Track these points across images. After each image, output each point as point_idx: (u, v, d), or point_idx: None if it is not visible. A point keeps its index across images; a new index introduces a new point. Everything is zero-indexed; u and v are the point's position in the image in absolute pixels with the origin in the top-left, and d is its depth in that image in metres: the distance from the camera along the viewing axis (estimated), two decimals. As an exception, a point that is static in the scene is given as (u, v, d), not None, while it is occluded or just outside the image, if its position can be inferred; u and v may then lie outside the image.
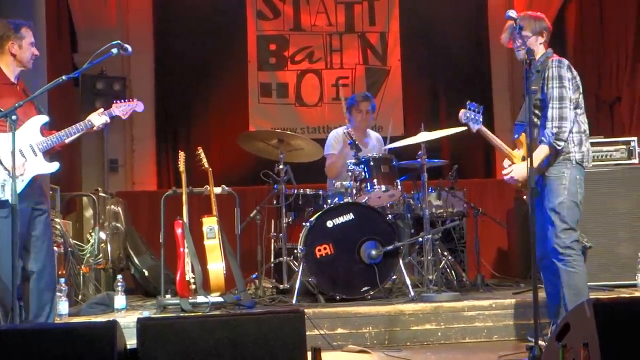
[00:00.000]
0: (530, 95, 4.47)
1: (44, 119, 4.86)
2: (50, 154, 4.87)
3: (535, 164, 4.64)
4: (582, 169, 4.72)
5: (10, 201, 4.18)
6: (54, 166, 4.85)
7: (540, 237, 4.72)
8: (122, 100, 5.15)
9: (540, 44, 4.85)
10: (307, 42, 9.75)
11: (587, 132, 4.79)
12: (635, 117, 7.78)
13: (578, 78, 4.78)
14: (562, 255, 4.63)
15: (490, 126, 9.49)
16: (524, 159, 4.75)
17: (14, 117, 4.19)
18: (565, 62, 4.74)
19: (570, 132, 4.66)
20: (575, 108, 4.69)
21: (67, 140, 4.91)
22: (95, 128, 4.94)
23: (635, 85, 7.84)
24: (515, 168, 4.84)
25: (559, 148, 4.61)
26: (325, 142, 7.18)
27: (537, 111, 4.75)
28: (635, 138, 6.49)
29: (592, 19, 8.50)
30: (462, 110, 4.88)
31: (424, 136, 5.95)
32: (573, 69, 4.75)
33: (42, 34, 6.22)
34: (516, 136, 4.93)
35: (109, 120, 4.99)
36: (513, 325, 5.42)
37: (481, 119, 4.88)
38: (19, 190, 4.46)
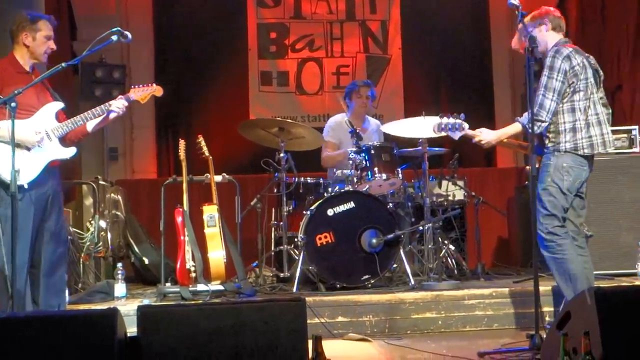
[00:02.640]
0: (532, 85, 4.46)
1: (59, 105, 4.81)
2: (69, 142, 4.83)
3: (500, 135, 4.83)
4: (577, 156, 4.66)
5: (11, 189, 4.16)
6: (71, 151, 4.78)
7: None
8: (140, 85, 5.05)
9: (547, 31, 4.81)
10: (307, 30, 9.73)
11: (597, 116, 4.71)
12: (636, 105, 7.78)
13: (585, 62, 4.72)
14: (545, 241, 4.61)
15: (490, 114, 9.61)
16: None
17: (12, 104, 4.19)
18: (565, 51, 4.68)
19: (563, 122, 4.65)
20: (572, 94, 4.65)
21: (89, 129, 4.88)
22: (112, 115, 4.85)
23: (636, 74, 7.83)
24: (484, 131, 4.87)
25: (529, 132, 4.53)
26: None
27: None
28: (636, 127, 6.48)
29: (593, 8, 8.48)
30: (436, 123, 4.83)
31: (421, 129, 5.91)
32: (577, 56, 4.69)
33: (42, 21, 6.20)
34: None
35: (126, 104, 4.89)
36: (513, 313, 5.42)
37: (464, 125, 4.80)
38: (34, 175, 4.55)
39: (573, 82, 4.66)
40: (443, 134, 4.87)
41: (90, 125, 4.87)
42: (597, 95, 4.78)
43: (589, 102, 4.71)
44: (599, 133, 4.71)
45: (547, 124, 4.64)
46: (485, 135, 4.84)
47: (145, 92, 5.01)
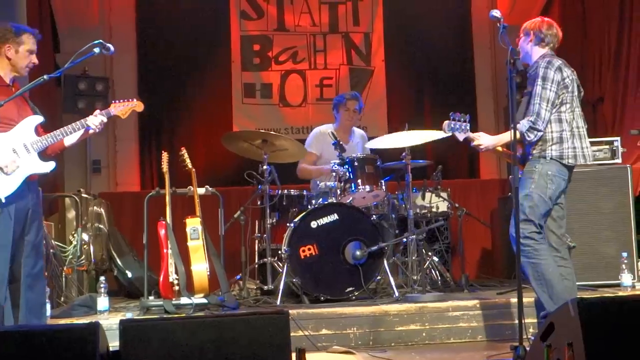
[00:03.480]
0: (514, 97, 4.48)
1: (39, 119, 4.76)
2: (48, 156, 4.78)
3: (498, 141, 4.85)
4: (561, 165, 4.72)
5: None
6: (50, 165, 4.73)
7: None
8: (121, 100, 5.03)
9: (534, 45, 4.87)
10: (291, 42, 9.73)
11: (578, 130, 4.80)
12: (618, 117, 7.82)
13: (572, 77, 4.81)
14: (522, 245, 4.58)
15: (474, 126, 9.51)
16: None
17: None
18: (556, 63, 4.76)
19: (550, 131, 4.71)
20: (559, 105, 4.73)
21: (66, 143, 4.85)
22: (92, 130, 4.82)
23: (618, 85, 7.87)
24: (483, 135, 4.89)
25: (527, 139, 4.67)
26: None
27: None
28: (618, 138, 6.53)
29: (574, 19, 8.54)
30: (446, 122, 4.84)
31: (405, 139, 5.94)
32: (565, 69, 4.78)
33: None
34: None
35: (105, 120, 4.85)
36: (497, 325, 5.42)
37: (468, 127, 4.84)
38: (12, 189, 4.48)
39: (563, 94, 4.74)
40: (450, 133, 4.85)
41: (68, 140, 4.84)
42: (579, 110, 4.85)
43: (573, 114, 4.80)
44: (580, 146, 4.78)
45: (542, 133, 4.68)
46: (483, 140, 4.86)
47: (125, 107, 4.99)
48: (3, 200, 4.46)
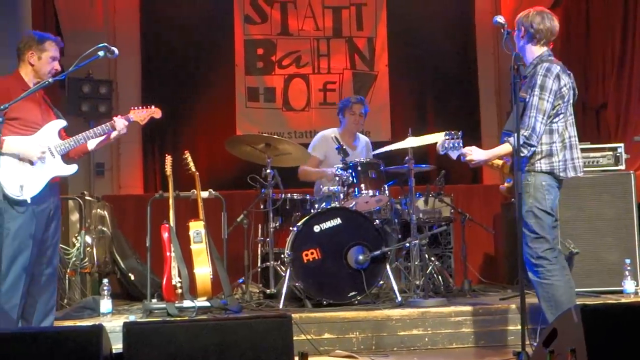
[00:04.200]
0: (519, 103, 4.45)
1: (62, 123, 4.96)
2: (71, 159, 4.97)
3: (490, 155, 4.76)
4: (552, 177, 4.62)
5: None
6: (72, 168, 4.92)
7: None
8: (140, 107, 5.20)
9: (527, 42, 4.72)
10: (294, 46, 9.75)
11: (570, 139, 4.68)
12: (621, 123, 7.80)
13: (570, 84, 4.68)
14: (534, 266, 4.56)
15: (476, 131, 9.65)
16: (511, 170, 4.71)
17: None
18: (555, 70, 4.60)
19: (540, 143, 4.58)
20: (554, 116, 4.60)
21: (89, 147, 5.04)
22: (115, 134, 5.00)
23: (621, 91, 7.85)
24: (475, 150, 4.80)
25: (522, 154, 4.50)
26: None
27: None
28: (621, 144, 6.51)
29: (578, 25, 8.54)
30: (439, 142, 4.79)
31: (410, 142, 5.95)
32: (564, 76, 4.64)
33: (29, 36, 6.21)
34: (503, 141, 4.84)
35: (127, 124, 5.02)
36: (500, 331, 5.43)
37: (461, 144, 4.76)
38: (37, 190, 4.67)
39: (558, 104, 4.60)
40: (444, 153, 4.80)
41: (91, 144, 5.03)
42: (572, 118, 4.73)
43: (566, 124, 4.67)
44: (570, 157, 4.66)
45: (535, 148, 4.56)
46: (475, 155, 4.76)
47: (144, 113, 5.18)
48: (28, 201, 4.63)
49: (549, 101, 4.55)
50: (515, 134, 4.35)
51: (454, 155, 4.78)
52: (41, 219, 4.73)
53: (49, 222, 4.83)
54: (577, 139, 4.74)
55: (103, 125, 4.98)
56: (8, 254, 4.49)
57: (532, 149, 4.55)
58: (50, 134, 4.84)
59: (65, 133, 5.00)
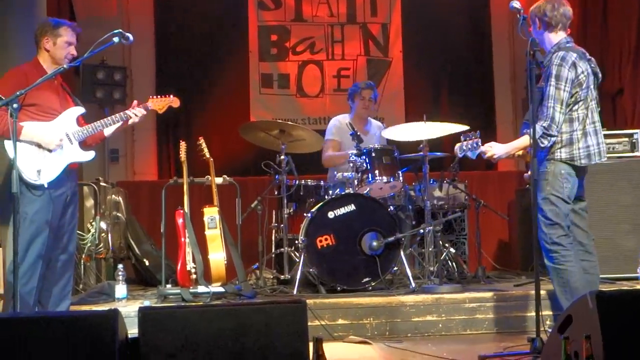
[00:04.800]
0: (534, 89, 4.43)
1: (80, 110, 5.01)
2: (89, 146, 5.03)
3: (510, 149, 4.73)
4: (571, 166, 4.60)
5: (12, 189, 4.17)
6: (90, 154, 5.00)
7: None
8: (158, 96, 5.24)
9: (544, 32, 4.69)
10: (308, 32, 9.71)
11: (593, 125, 4.66)
12: (637, 109, 7.75)
13: (588, 70, 4.63)
14: (549, 252, 4.57)
15: (491, 117, 9.61)
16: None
17: (15, 105, 4.24)
18: (570, 58, 4.55)
19: (560, 132, 4.56)
20: (573, 104, 4.57)
21: (106, 133, 5.12)
22: (132, 120, 5.06)
23: (638, 77, 7.80)
24: (495, 145, 4.78)
25: (541, 146, 4.50)
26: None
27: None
28: (638, 130, 6.47)
29: (595, 11, 8.46)
30: (457, 145, 4.77)
31: (423, 131, 5.93)
32: (581, 63, 4.59)
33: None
34: (523, 133, 4.80)
35: (145, 113, 5.08)
36: (514, 317, 5.42)
37: (479, 143, 4.71)
38: (55, 175, 4.73)
39: (576, 92, 4.57)
40: (462, 155, 4.78)
41: (108, 131, 5.11)
42: (594, 103, 4.70)
43: (587, 110, 4.64)
44: (595, 143, 4.65)
45: (555, 138, 4.54)
46: (496, 150, 4.74)
47: (163, 102, 5.22)
48: (45, 185, 4.68)
49: (565, 90, 4.52)
50: (532, 124, 4.34)
51: (472, 156, 4.76)
52: (58, 204, 4.77)
53: (66, 207, 4.87)
54: (600, 124, 4.73)
55: (121, 113, 5.04)
56: (25, 238, 4.54)
57: (552, 138, 4.53)
58: (68, 120, 4.88)
59: (84, 120, 5.04)
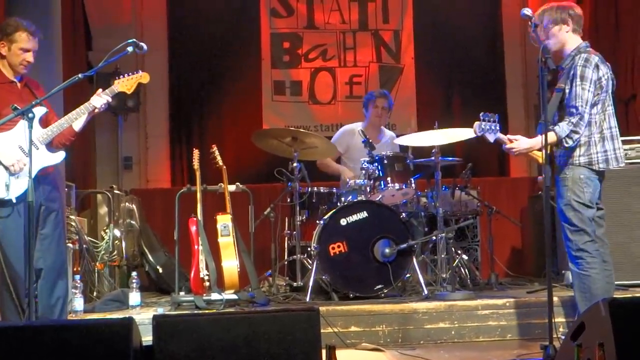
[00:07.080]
0: (545, 96, 4.42)
1: (41, 110, 4.72)
2: (61, 145, 4.80)
3: (534, 144, 4.65)
4: (590, 171, 4.59)
5: (28, 197, 4.10)
6: (60, 156, 4.75)
7: None
8: (125, 75, 4.98)
9: (567, 32, 4.67)
10: (320, 40, 9.74)
11: (610, 130, 4.65)
12: (650, 115, 7.74)
13: (609, 75, 4.64)
14: (575, 258, 4.56)
15: (504, 124, 9.53)
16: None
17: (30, 115, 4.18)
18: (594, 60, 4.57)
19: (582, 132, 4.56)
20: (592, 107, 4.56)
21: (76, 128, 4.81)
22: (97, 110, 4.78)
23: (651, 83, 7.79)
24: (521, 139, 4.73)
25: (565, 145, 4.51)
26: None
27: (561, 112, 4.62)
28: (651, 136, 6.45)
29: (607, 15, 8.44)
30: (476, 123, 4.71)
31: (435, 138, 5.94)
32: (602, 67, 4.60)
33: (58, 31, 6.26)
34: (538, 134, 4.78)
35: (110, 99, 4.82)
36: (527, 324, 5.41)
37: (498, 127, 4.70)
38: (23, 189, 4.42)
39: (598, 94, 4.58)
40: (481, 134, 4.71)
41: (77, 125, 4.80)
42: (611, 109, 4.69)
43: (605, 114, 4.64)
44: (612, 148, 4.64)
45: (580, 136, 4.53)
46: (519, 144, 4.69)
47: (130, 81, 4.96)
48: (14, 200, 4.50)
49: (590, 91, 4.53)
50: (544, 128, 4.34)
51: (490, 138, 4.70)
52: (31, 214, 4.35)
53: (44, 216, 4.66)
54: (617, 129, 4.71)
55: (86, 103, 4.74)
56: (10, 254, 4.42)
57: (577, 136, 4.51)
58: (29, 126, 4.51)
59: (55, 115, 4.81)
